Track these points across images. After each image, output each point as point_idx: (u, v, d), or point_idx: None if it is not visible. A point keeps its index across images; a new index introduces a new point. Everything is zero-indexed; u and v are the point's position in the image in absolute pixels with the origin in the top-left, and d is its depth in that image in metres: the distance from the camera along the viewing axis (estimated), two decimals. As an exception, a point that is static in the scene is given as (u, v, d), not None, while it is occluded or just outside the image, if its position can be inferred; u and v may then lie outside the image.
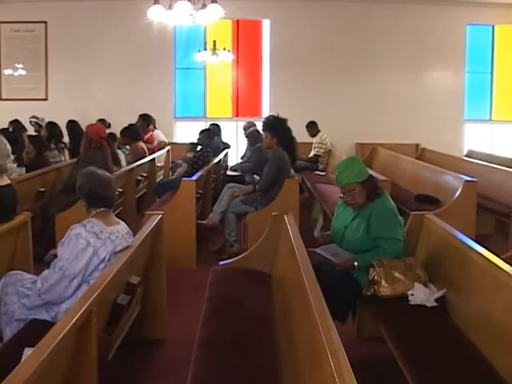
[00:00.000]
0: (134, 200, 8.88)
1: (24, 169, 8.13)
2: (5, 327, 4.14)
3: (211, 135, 10.21)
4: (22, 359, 3.11)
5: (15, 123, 10.64)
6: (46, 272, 4.10)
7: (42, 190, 7.96)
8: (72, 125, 10.38)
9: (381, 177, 7.44)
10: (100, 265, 4.02)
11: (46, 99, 14.42)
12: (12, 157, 5.07)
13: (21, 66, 14.56)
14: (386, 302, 4.40)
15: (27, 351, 3.15)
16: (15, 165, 7.22)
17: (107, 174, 4.50)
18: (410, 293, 4.36)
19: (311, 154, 12.16)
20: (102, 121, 11.82)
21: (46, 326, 3.35)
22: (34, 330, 3.76)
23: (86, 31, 14.11)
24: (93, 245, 4.02)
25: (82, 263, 3.98)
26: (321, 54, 14.12)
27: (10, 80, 14.59)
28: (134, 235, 4.51)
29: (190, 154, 9.76)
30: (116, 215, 4.69)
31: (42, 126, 10.99)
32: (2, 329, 4.17)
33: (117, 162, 8.72)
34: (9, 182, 5.07)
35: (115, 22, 13.95)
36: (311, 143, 12.29)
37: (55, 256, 4.24)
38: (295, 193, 7.56)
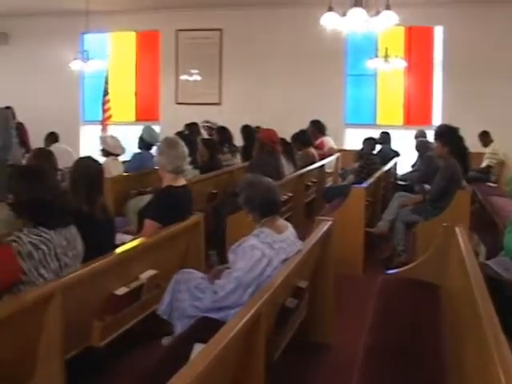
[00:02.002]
0: (304, 205, 8.94)
1: (198, 171, 8.43)
2: (176, 322, 4.31)
3: (374, 143, 10.11)
4: (192, 354, 3.22)
5: (191, 126, 11.03)
6: (220, 281, 4.19)
7: (214, 191, 8.20)
8: (246, 129, 10.62)
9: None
10: (273, 272, 4.05)
11: (219, 104, 14.88)
12: (188, 159, 5.26)
13: (196, 71, 15.14)
14: None
15: (197, 347, 3.26)
16: (191, 167, 7.49)
17: (269, 180, 4.51)
18: None
19: (483, 165, 11.73)
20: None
21: (216, 324, 3.45)
22: (204, 327, 3.87)
23: (260, 38, 14.43)
24: (267, 255, 4.07)
25: (256, 273, 4.04)
26: (498, 60, 13.45)
27: (185, 85, 15.21)
28: (303, 240, 4.54)
29: (356, 164, 9.73)
30: (285, 219, 4.74)
31: (213, 130, 11.32)
32: (173, 324, 4.34)
33: None
34: (185, 183, 5.28)
35: (289, 29, 14.16)
36: (483, 153, 11.86)
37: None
38: (466, 204, 7.31)
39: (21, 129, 11.12)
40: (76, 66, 14.20)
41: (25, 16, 15.58)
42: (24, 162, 8.74)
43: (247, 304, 3.28)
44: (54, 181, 3.94)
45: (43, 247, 3.62)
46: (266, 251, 4.07)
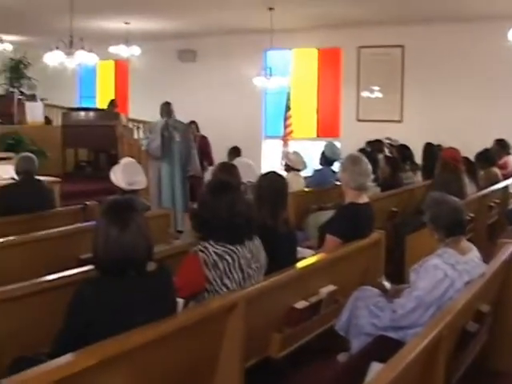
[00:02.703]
0: (486, 227, 8.62)
1: (379, 188, 8.38)
2: (353, 339, 4.31)
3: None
4: (368, 373, 3.22)
5: (375, 144, 11.00)
6: (401, 300, 4.15)
7: (395, 209, 8.10)
8: (428, 147, 10.43)
9: None
10: (455, 294, 3.96)
11: (400, 121, 14.72)
12: (372, 176, 5.26)
13: (377, 88, 15.09)
14: None
15: (374, 366, 3.25)
16: (373, 184, 7.47)
17: (456, 199, 4.41)
18: None
19: None
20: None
21: (394, 343, 3.43)
22: (382, 347, 3.85)
23: (442, 54, 14.13)
24: (450, 276, 3.97)
25: (437, 294, 3.95)
26: None
27: (366, 102, 15.18)
28: (485, 262, 4.40)
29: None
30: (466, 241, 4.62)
31: (394, 147, 11.20)
32: (350, 340, 4.35)
33: None
34: (367, 200, 5.28)
35: (473, 45, 13.69)
36: None
37: None
38: None
39: (203, 142, 11.62)
40: (259, 82, 14.63)
41: (211, 34, 16.25)
42: (206, 174, 9.15)
43: (428, 325, 3.24)
44: (240, 195, 4.07)
45: (228, 258, 3.76)
46: (449, 272, 3.98)
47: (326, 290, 4.50)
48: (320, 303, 4.41)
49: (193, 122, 11.42)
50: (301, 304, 4.21)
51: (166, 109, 9.91)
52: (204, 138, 11.99)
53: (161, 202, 9.53)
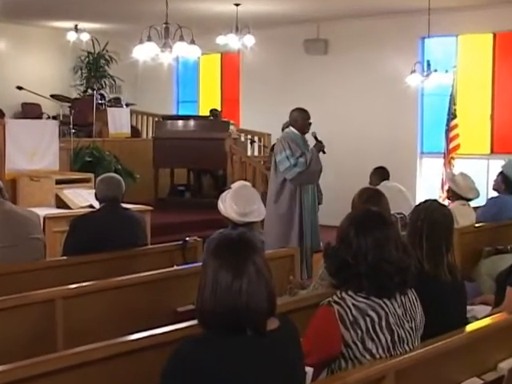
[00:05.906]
0: None
1: None
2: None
3: None
4: None
5: None
6: None
7: None
8: None
9: None
10: None
11: None
12: None
13: None
14: None
15: None
16: None
17: None
18: None
19: None
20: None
21: None
22: None
23: None
24: None
25: None
26: None
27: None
28: None
29: None
30: None
31: None
32: None
33: None
34: None
35: None
36: None
37: None
38: None
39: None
40: (413, 80, 14.40)
41: (348, 19, 16.24)
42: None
43: None
44: (392, 232, 4.01)
45: (372, 314, 3.72)
46: None
47: (508, 364, 4.38)
48: (500, 382, 4.30)
49: None
50: (472, 382, 4.13)
51: (308, 118, 9.68)
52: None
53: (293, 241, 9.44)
